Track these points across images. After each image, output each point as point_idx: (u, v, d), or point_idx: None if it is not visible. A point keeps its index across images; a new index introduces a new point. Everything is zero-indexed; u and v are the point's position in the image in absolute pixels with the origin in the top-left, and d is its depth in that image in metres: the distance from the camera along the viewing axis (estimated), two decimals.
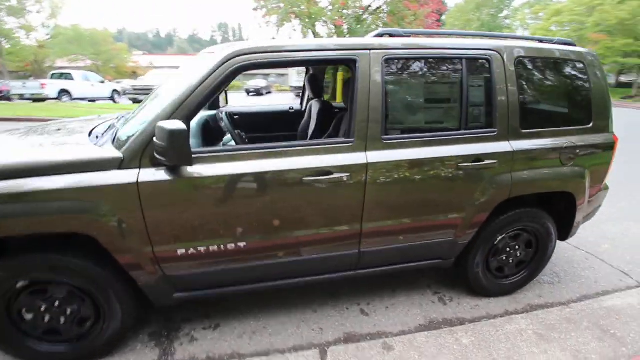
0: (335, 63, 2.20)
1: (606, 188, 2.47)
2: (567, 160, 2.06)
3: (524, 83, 1.96)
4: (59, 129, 2.08)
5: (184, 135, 1.34)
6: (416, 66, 1.82)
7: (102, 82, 17.83)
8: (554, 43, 2.15)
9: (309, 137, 2.82)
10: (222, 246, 1.64)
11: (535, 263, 2.36)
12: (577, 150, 2.08)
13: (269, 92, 25.26)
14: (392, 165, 1.74)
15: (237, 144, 1.92)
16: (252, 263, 1.74)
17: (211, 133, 2.12)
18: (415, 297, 2.36)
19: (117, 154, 1.49)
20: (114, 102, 17.05)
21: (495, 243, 2.18)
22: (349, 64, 1.69)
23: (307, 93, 3.26)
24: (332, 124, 2.35)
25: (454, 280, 2.47)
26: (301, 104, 3.41)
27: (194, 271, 1.66)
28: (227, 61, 1.54)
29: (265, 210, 1.64)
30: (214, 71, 1.53)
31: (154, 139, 1.42)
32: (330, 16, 12.10)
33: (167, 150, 1.35)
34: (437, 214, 1.92)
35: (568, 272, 2.74)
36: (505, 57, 1.91)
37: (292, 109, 3.34)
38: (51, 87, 15.56)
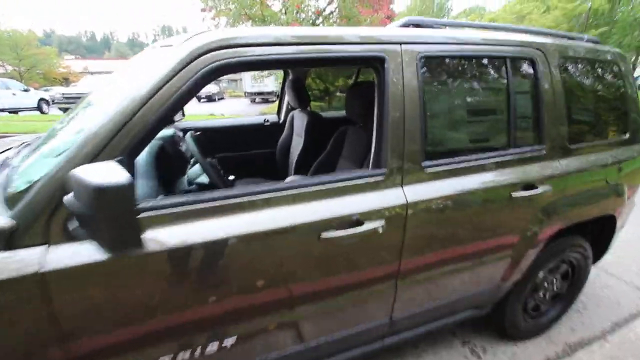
0: (355, 63, 1.46)
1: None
2: (612, 178, 1.76)
3: (569, 89, 1.61)
4: None
5: (125, 192, 0.75)
6: (458, 67, 1.37)
7: (26, 90, 15.50)
8: (585, 41, 1.84)
9: (295, 157, 2.27)
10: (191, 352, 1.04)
11: (570, 294, 2.06)
12: (620, 166, 1.78)
13: (222, 98, 24.07)
14: (437, 203, 1.26)
15: (212, 180, 1.32)
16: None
17: (169, 164, 1.48)
18: (443, 351, 1.92)
19: (4, 220, 0.84)
20: (42, 112, 14.89)
21: (536, 280, 1.82)
22: (374, 64, 1.19)
23: (287, 102, 2.71)
24: (332, 143, 1.84)
25: (480, 323, 2.08)
26: (278, 114, 2.85)
27: None
28: (196, 58, 0.96)
29: (267, 287, 1.08)
30: (176, 74, 0.94)
31: (68, 196, 0.80)
32: (285, 20, 11.60)
33: (94, 219, 0.75)
34: (484, 258, 1.49)
35: (588, 293, 2.50)
36: (549, 57, 1.54)
37: (268, 121, 2.76)
38: None
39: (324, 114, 2.43)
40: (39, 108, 15.13)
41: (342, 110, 2.57)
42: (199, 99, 22.05)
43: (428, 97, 1.27)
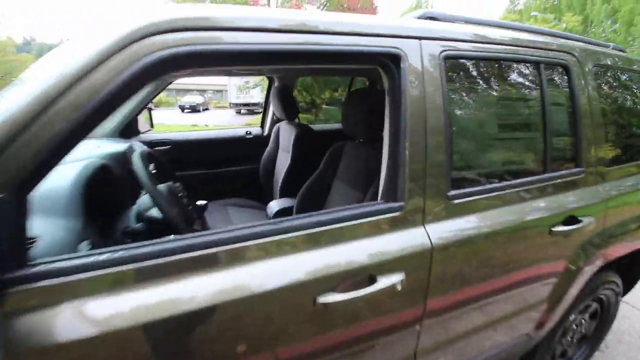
0: (361, 62, 0.97)
1: None
2: None
3: (605, 101, 1.38)
4: None
5: None
6: (486, 72, 1.10)
7: None
8: (611, 49, 1.63)
9: (281, 176, 1.96)
10: None
11: (598, 334, 1.80)
12: None
13: (206, 109, 23.59)
14: (467, 244, 0.97)
15: (166, 214, 1.01)
16: None
17: (114, 191, 1.12)
18: None
19: None
20: None
21: (566, 324, 1.54)
22: (386, 64, 0.90)
23: (272, 112, 2.41)
24: (325, 161, 1.53)
25: None
26: (262, 126, 2.54)
27: None
28: (133, 43, 0.64)
29: None
30: (99, 64, 0.62)
31: None
32: None
33: None
34: (519, 305, 1.20)
35: None
36: (583, 64, 1.30)
37: (250, 133, 2.45)
38: None
39: (315, 127, 2.14)
40: None
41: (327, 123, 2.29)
42: (182, 109, 21.54)
43: (453, 109, 0.99)
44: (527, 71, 1.17)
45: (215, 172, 2.30)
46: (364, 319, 0.86)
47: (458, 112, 1.01)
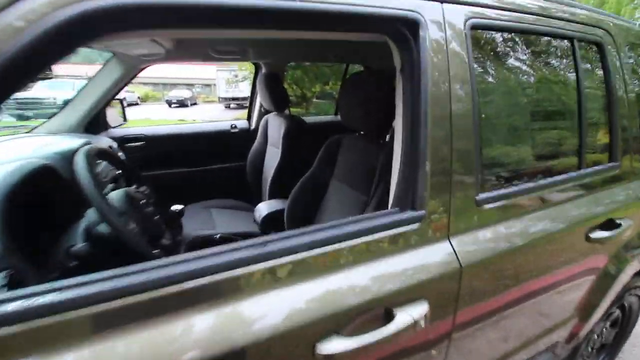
0: (368, 29, 0.69)
1: None
2: None
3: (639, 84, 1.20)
4: None
5: None
6: (516, 47, 0.90)
7: None
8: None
9: (270, 174, 1.75)
10: None
11: (617, 342, 1.65)
12: None
13: (195, 104, 23.03)
14: (500, 258, 0.78)
15: (116, 230, 0.71)
16: None
17: (62, 199, 0.89)
18: None
19: None
20: None
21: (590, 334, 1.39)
22: (400, 33, 0.70)
23: (259, 103, 2.18)
24: (320, 158, 1.33)
25: None
26: (249, 119, 2.31)
27: None
28: None
29: None
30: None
31: None
32: None
33: None
34: (551, 320, 1.04)
35: None
36: (617, 42, 1.12)
37: (236, 127, 2.22)
38: None
39: (308, 119, 1.93)
40: None
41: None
42: (170, 104, 21.00)
43: (481, 91, 0.80)
44: (561, 48, 0.99)
45: (197, 171, 2.08)
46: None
47: (486, 97, 0.82)
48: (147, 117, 13.76)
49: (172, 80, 25.39)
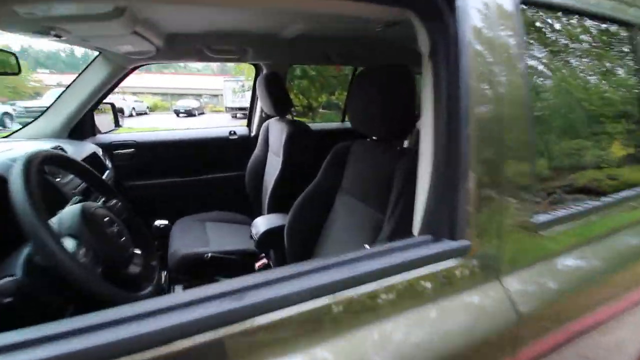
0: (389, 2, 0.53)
1: None
2: None
3: None
4: None
5: None
6: (576, 32, 0.71)
7: None
8: None
9: (271, 185, 1.57)
10: None
11: None
12: None
13: (202, 113, 23.22)
14: (565, 301, 0.59)
15: (53, 262, 0.52)
16: None
17: (11, 220, 0.71)
18: None
19: None
20: (4, 127, 13.74)
21: None
22: (427, 10, 0.52)
23: (259, 108, 2.03)
24: (325, 167, 1.15)
25: None
26: (249, 125, 2.15)
27: None
28: None
29: None
30: None
31: None
32: None
33: None
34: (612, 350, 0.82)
35: None
36: None
37: (235, 133, 2.06)
38: None
39: (313, 126, 1.76)
40: (1, 123, 13.99)
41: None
42: (177, 113, 21.22)
43: (535, 84, 0.61)
44: (623, 38, 0.80)
45: (192, 180, 1.91)
46: None
47: (541, 91, 0.63)
48: (154, 125, 13.85)
49: (181, 90, 25.82)
